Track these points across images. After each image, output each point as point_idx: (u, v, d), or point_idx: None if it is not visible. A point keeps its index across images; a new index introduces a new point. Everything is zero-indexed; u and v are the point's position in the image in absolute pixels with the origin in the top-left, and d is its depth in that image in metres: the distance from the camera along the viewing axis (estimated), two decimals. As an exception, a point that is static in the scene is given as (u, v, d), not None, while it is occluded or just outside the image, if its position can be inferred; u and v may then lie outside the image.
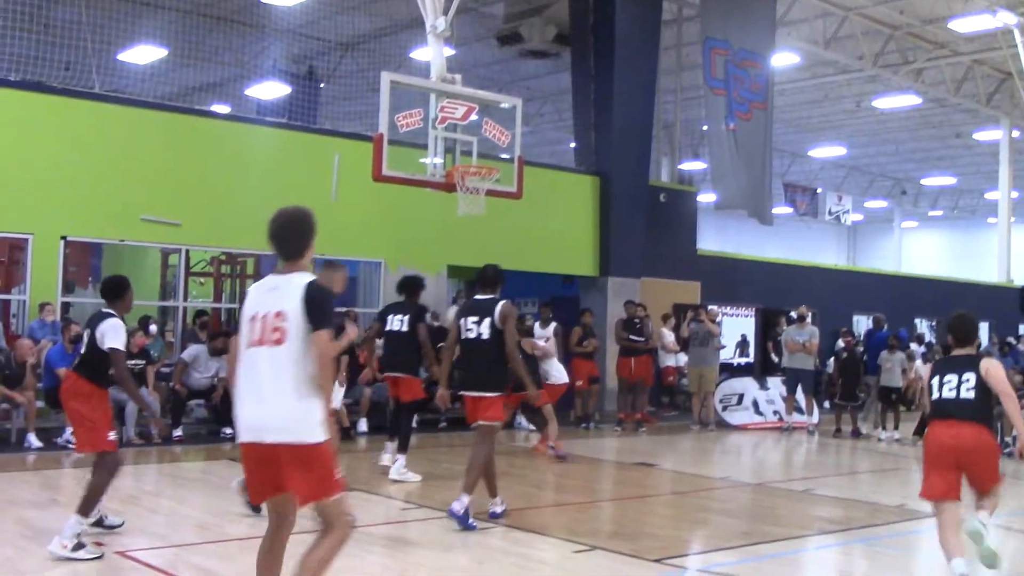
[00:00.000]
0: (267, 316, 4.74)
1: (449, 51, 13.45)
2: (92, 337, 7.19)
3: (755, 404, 17.90)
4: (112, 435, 7.21)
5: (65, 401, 7.40)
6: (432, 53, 12.22)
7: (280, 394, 4.66)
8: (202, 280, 19.78)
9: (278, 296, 4.79)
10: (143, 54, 19.35)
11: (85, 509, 6.89)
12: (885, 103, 26.80)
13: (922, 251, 45.67)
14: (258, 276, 18.95)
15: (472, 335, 8.22)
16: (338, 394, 12.78)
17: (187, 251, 15.37)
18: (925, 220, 46.08)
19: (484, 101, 12.88)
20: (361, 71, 20.88)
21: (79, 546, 6.69)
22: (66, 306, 14.04)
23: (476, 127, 12.40)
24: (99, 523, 7.35)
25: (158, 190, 14.28)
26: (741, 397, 17.95)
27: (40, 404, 12.22)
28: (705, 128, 21.71)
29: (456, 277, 18.60)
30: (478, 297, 8.50)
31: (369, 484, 10.11)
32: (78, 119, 13.76)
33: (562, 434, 12.69)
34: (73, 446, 9.38)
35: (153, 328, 14.06)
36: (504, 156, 13.77)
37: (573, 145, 21.70)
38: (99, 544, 7.06)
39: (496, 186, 12.42)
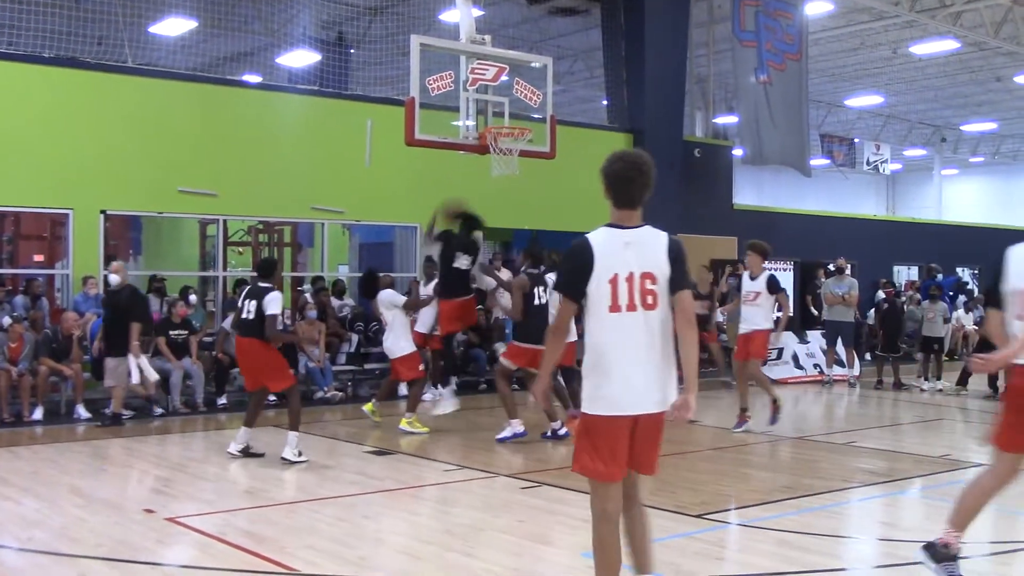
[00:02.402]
0: (633, 277, 4.37)
1: (478, 12, 13.36)
2: (260, 305, 8.93)
3: (795, 358, 17.81)
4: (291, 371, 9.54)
5: (246, 361, 9.23)
6: (461, 15, 12.13)
7: (660, 361, 4.46)
8: (240, 250, 19.94)
9: (639, 254, 4.41)
10: (173, 26, 19.35)
11: (295, 425, 9.06)
12: (923, 49, 26.18)
13: (963, 199, 44.86)
14: (295, 244, 19.06)
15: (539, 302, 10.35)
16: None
17: (224, 221, 15.50)
18: (966, 167, 45.21)
19: (514, 61, 12.80)
20: (390, 35, 20.75)
21: (299, 453, 9.05)
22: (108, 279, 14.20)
23: (507, 88, 12.33)
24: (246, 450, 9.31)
25: (194, 162, 14.38)
26: (781, 351, 17.84)
27: (87, 376, 12.43)
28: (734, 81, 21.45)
29: (492, 239, 18.60)
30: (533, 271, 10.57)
31: (415, 447, 10.23)
32: (112, 93, 13.85)
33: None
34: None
35: (194, 298, 14.23)
36: (536, 116, 13.69)
37: (605, 102, 21.54)
38: (149, 511, 7.22)
39: (529, 146, 12.36)
